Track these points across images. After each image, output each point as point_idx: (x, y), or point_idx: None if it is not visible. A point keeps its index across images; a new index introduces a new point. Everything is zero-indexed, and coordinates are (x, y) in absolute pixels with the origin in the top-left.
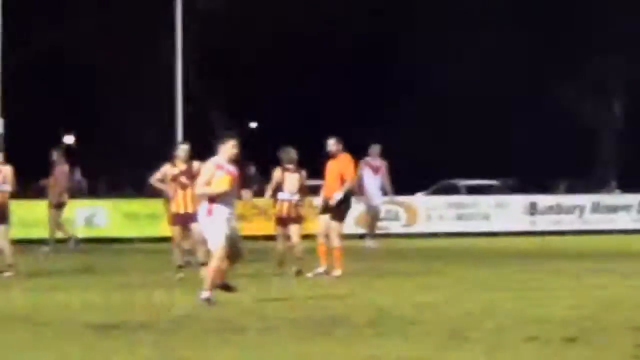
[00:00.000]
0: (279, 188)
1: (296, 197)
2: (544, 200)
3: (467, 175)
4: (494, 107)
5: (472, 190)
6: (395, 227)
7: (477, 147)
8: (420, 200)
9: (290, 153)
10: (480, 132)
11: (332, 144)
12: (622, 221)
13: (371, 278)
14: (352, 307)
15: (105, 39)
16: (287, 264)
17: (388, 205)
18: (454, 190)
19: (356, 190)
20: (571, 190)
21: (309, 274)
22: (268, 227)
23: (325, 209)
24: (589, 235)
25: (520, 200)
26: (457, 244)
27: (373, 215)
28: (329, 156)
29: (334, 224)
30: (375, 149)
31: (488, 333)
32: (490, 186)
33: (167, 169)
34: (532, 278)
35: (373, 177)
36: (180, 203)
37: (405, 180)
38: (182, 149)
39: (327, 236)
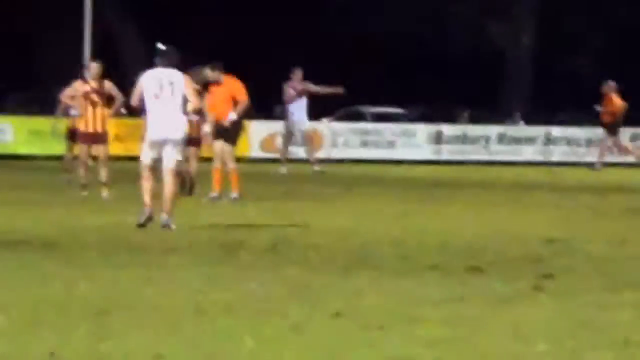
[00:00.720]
0: None
1: (196, 117)
2: (449, 129)
3: (374, 102)
4: (400, 32)
5: (379, 118)
6: (299, 153)
7: (385, 73)
8: (325, 126)
9: (202, 72)
10: (387, 59)
11: (209, 74)
12: (527, 153)
13: (272, 202)
14: (252, 231)
15: None
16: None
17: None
18: (360, 117)
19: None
20: (475, 120)
21: (203, 199)
22: None
23: (218, 132)
24: (494, 167)
25: (425, 129)
26: (362, 171)
27: (288, 139)
28: (209, 84)
29: (228, 147)
30: (297, 73)
31: (391, 260)
32: (397, 114)
33: (78, 86)
34: (435, 207)
35: (298, 100)
36: (89, 121)
37: (310, 107)
38: (94, 67)
39: (222, 160)
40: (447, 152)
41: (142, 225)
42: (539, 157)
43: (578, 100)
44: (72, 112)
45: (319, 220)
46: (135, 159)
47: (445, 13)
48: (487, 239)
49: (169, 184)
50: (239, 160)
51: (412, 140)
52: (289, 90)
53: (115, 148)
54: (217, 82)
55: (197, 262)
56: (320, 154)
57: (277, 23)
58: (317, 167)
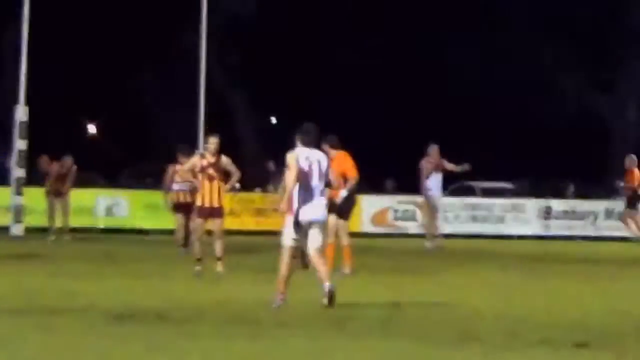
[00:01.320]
0: None
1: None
2: (558, 204)
3: (483, 177)
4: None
5: (488, 193)
6: (412, 228)
7: (492, 148)
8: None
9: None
10: (492, 132)
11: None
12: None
13: (383, 276)
14: (363, 304)
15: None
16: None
17: (405, 205)
18: (469, 192)
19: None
20: (581, 194)
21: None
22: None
23: (331, 208)
24: (601, 242)
25: (534, 204)
26: (472, 245)
27: (434, 215)
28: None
29: (341, 222)
30: (434, 148)
31: (498, 335)
32: (505, 189)
33: (196, 161)
34: (542, 282)
35: (435, 174)
36: (206, 196)
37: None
38: (212, 142)
39: (336, 235)
40: (555, 227)
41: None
42: None
43: None
44: (175, 186)
45: (428, 293)
46: (245, 232)
47: (552, 84)
48: (594, 314)
49: (320, 264)
50: (352, 235)
51: (521, 216)
52: (427, 165)
53: (228, 222)
54: (330, 157)
55: (310, 334)
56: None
57: (385, 96)
58: (428, 244)
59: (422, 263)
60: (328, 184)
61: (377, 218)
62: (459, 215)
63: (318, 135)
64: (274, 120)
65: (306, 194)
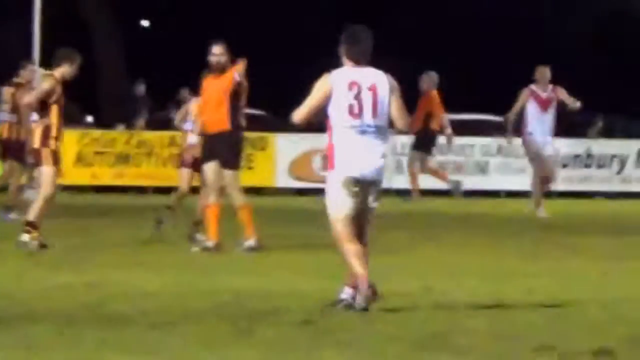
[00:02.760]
0: None
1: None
2: (566, 145)
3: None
4: None
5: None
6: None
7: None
8: None
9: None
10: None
11: (218, 51)
12: None
13: (313, 254)
14: (278, 298)
15: None
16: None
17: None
18: None
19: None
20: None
21: (193, 248)
22: None
23: (210, 152)
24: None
25: None
26: (438, 207)
27: (543, 170)
28: (210, 70)
29: (229, 172)
30: (544, 71)
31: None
32: (491, 123)
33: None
34: None
35: (540, 114)
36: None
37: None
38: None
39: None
40: (567, 180)
41: (365, 309)
42: None
43: None
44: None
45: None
46: (101, 188)
47: None
48: (614, 306)
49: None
50: (257, 191)
51: (513, 163)
52: (530, 100)
53: (75, 174)
54: (219, 69)
55: (206, 342)
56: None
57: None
58: (540, 212)
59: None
60: (392, 124)
61: (297, 167)
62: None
63: (371, 45)
64: (145, 23)
65: (354, 138)
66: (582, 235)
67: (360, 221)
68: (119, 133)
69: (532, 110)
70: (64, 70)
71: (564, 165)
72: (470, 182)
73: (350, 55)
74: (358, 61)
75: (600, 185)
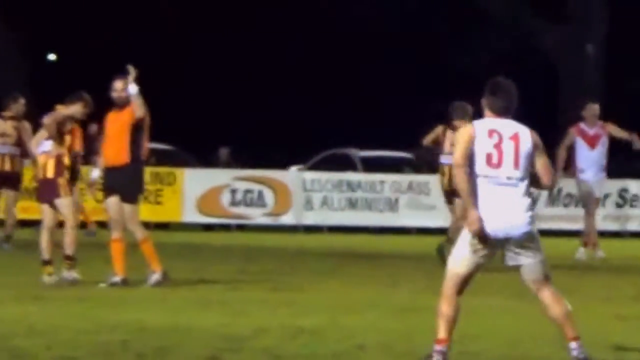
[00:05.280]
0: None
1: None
2: None
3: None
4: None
5: (371, 165)
6: (257, 216)
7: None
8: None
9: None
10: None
11: (119, 87)
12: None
13: (219, 289)
14: (185, 333)
15: None
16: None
17: (247, 183)
18: (345, 163)
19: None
20: None
21: (102, 284)
22: None
23: (111, 187)
24: None
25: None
26: (348, 243)
27: (592, 211)
28: (112, 105)
29: (128, 206)
30: (593, 109)
31: None
32: (399, 160)
33: None
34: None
35: (588, 151)
36: None
37: (275, 150)
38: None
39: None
40: None
41: None
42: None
43: None
44: None
45: (287, 317)
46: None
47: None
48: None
49: (559, 311)
50: (164, 226)
51: (423, 200)
52: (577, 138)
53: None
54: (121, 104)
55: None
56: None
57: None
58: (599, 253)
59: (266, 268)
60: (535, 180)
61: (205, 202)
62: (329, 197)
63: (517, 98)
64: (52, 57)
65: (489, 189)
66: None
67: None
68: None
69: (580, 148)
70: (76, 109)
71: None
72: (380, 219)
73: (492, 106)
74: (501, 114)
75: None
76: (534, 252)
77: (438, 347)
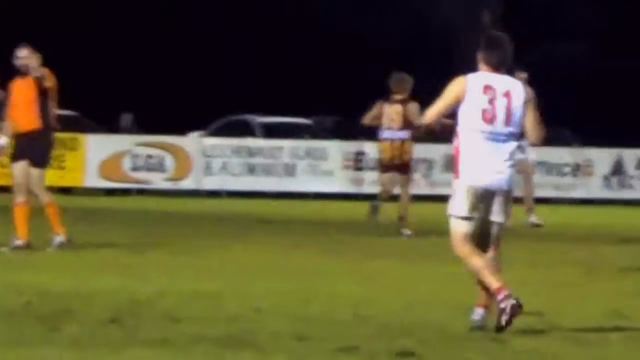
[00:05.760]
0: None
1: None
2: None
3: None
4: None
5: (272, 131)
6: (157, 181)
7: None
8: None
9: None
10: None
11: (22, 54)
12: None
13: (118, 251)
14: (85, 296)
15: None
16: None
17: (147, 148)
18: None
19: None
20: None
21: (4, 249)
22: None
23: (22, 152)
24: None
25: (340, 149)
26: (247, 208)
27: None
28: (17, 73)
29: (35, 170)
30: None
31: (284, 340)
32: (298, 126)
33: None
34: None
35: None
36: None
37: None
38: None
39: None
40: (371, 183)
41: (503, 328)
42: None
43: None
44: None
45: (187, 281)
46: None
47: None
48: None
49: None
50: (66, 191)
51: (322, 165)
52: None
53: None
54: (24, 72)
55: (12, 341)
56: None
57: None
58: (532, 218)
59: (167, 232)
60: (521, 134)
61: (107, 168)
62: (228, 163)
63: (512, 53)
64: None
65: (484, 145)
66: (385, 236)
67: (484, 237)
68: None
69: None
70: None
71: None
72: (279, 184)
73: (488, 61)
74: (496, 68)
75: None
76: (504, 213)
77: (501, 295)
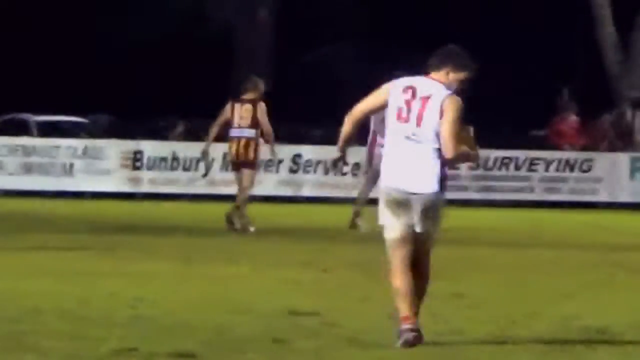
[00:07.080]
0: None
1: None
2: (154, 148)
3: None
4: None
5: (47, 130)
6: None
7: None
8: None
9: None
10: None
11: None
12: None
13: None
14: None
15: None
16: None
17: None
18: (21, 128)
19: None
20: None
21: None
22: None
23: None
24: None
25: (118, 148)
26: (22, 207)
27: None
28: None
29: None
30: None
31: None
32: (74, 125)
33: None
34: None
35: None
36: None
37: None
38: None
39: None
40: (151, 182)
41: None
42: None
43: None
44: None
45: None
46: None
47: None
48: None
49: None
50: None
51: (98, 164)
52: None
53: None
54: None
55: None
56: None
57: None
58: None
59: None
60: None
61: None
62: (4, 162)
63: (451, 57)
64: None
65: (399, 146)
66: (156, 235)
67: (415, 252)
68: None
69: None
70: None
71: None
72: (56, 183)
73: (430, 67)
74: (428, 70)
75: (186, 188)
76: (431, 222)
77: (405, 326)
